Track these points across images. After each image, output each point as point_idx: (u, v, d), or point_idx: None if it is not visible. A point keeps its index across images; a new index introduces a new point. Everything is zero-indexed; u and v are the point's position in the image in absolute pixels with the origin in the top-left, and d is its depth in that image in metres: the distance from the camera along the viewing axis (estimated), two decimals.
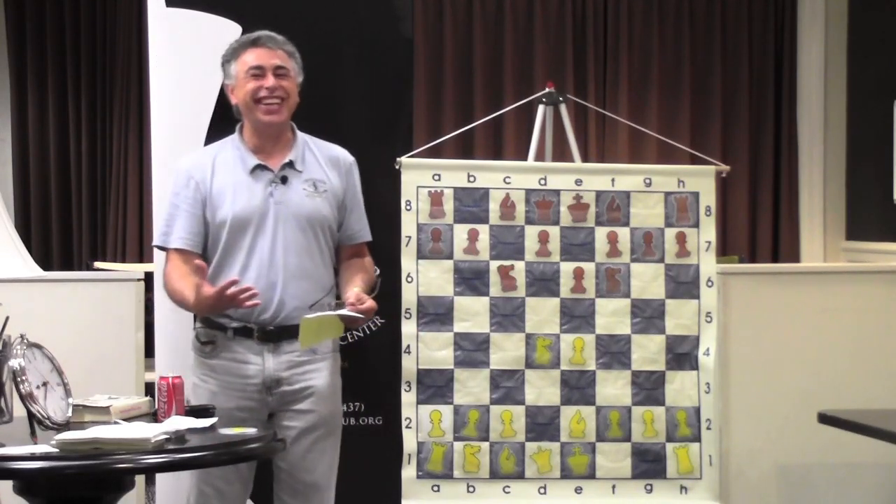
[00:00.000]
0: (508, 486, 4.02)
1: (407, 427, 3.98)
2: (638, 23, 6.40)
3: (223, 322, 3.39)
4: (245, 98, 3.47)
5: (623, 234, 4.10)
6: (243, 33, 3.83)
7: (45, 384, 2.98)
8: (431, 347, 3.99)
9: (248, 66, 3.47)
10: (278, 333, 3.39)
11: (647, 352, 4.09)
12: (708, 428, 4.09)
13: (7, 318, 2.96)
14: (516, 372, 4.03)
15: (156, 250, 3.66)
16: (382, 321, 3.94)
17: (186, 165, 3.50)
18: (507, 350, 4.02)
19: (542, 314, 4.04)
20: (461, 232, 4.04)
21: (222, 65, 3.55)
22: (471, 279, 4.03)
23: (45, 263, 6.01)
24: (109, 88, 6.41)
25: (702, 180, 4.19)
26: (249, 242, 3.41)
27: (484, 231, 4.05)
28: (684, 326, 4.11)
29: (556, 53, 6.38)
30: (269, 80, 3.46)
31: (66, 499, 2.91)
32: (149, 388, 3.76)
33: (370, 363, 3.83)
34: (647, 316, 4.09)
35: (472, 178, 4.07)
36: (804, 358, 4.49)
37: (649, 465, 4.06)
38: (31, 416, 2.91)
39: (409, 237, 4.01)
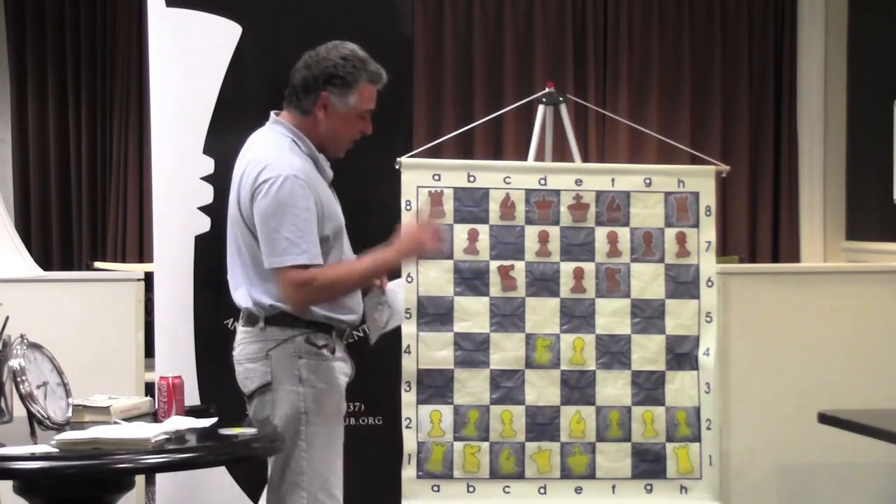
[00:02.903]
0: (508, 486, 4.02)
1: (407, 427, 3.98)
2: (638, 23, 6.39)
3: (334, 323, 3.31)
4: (345, 133, 3.34)
5: (623, 234, 4.11)
6: (243, 34, 3.84)
7: (45, 384, 2.98)
8: (431, 347, 3.99)
9: (365, 107, 3.33)
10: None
11: (647, 352, 4.09)
12: (708, 428, 4.09)
13: (7, 318, 2.96)
14: (516, 372, 4.03)
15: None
16: None
17: (299, 174, 3.19)
18: (507, 350, 4.03)
19: (542, 314, 4.05)
20: (461, 232, 4.04)
21: (336, 75, 3.28)
22: (471, 279, 4.03)
23: (45, 263, 6.00)
24: (109, 88, 6.41)
25: (702, 180, 4.19)
26: (343, 251, 3.35)
27: (484, 231, 4.05)
28: (684, 326, 4.11)
29: (556, 53, 6.38)
30: (370, 126, 3.37)
31: (66, 499, 2.92)
32: (149, 388, 3.76)
33: (370, 363, 3.83)
34: (647, 316, 4.10)
35: (472, 178, 4.07)
36: (804, 358, 4.49)
37: (649, 465, 4.07)
38: (31, 416, 2.91)
39: None
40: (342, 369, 3.34)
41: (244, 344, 3.31)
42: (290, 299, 3.19)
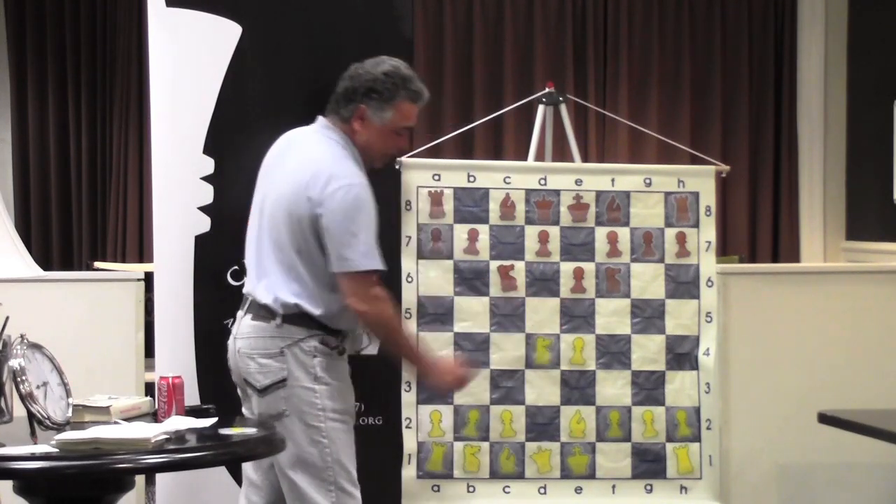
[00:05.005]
0: (508, 486, 4.02)
1: (407, 427, 3.98)
2: (638, 23, 6.39)
3: (342, 329, 3.40)
4: (379, 148, 3.43)
5: (623, 234, 4.11)
6: (243, 34, 3.83)
7: (45, 384, 2.98)
8: (431, 347, 3.99)
9: (402, 124, 3.43)
10: None
11: (647, 352, 4.09)
12: (708, 428, 4.09)
13: (7, 318, 2.96)
14: (516, 372, 4.03)
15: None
16: None
17: (365, 182, 3.35)
18: (507, 350, 4.03)
19: (542, 314, 4.05)
20: (461, 232, 4.04)
21: (375, 90, 3.38)
22: (471, 279, 4.03)
23: (45, 263, 6.00)
24: (109, 88, 6.41)
25: (702, 180, 4.19)
26: None
27: (484, 231, 4.05)
28: (684, 326, 4.11)
29: (556, 53, 6.38)
30: (407, 142, 3.53)
31: (66, 499, 2.91)
32: (149, 388, 3.76)
33: (370, 363, 3.83)
34: (647, 316, 4.10)
35: (472, 178, 4.07)
36: (804, 358, 4.49)
37: (649, 465, 4.07)
38: (31, 416, 2.91)
39: (409, 237, 4.02)
40: (347, 367, 3.45)
41: (255, 338, 3.36)
42: (361, 302, 3.29)
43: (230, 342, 3.45)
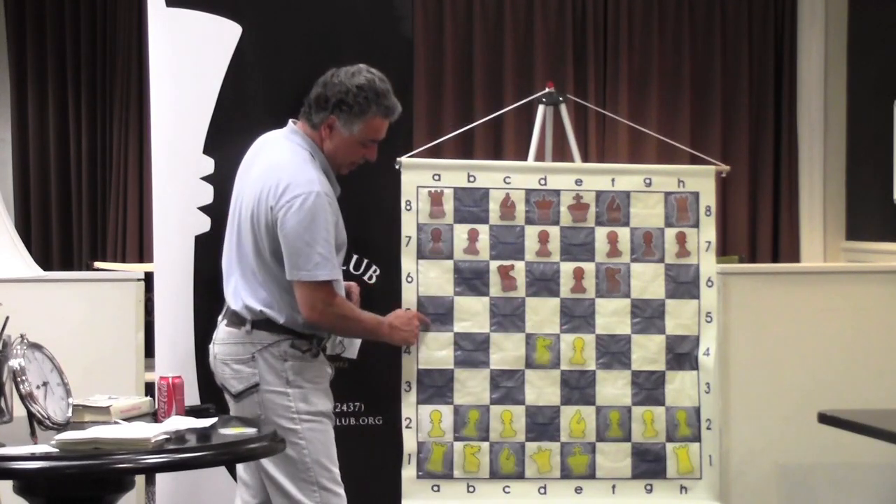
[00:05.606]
0: (508, 486, 4.02)
1: (407, 427, 3.98)
2: (638, 23, 6.40)
3: (317, 332, 3.41)
4: (345, 157, 3.44)
5: (623, 234, 4.10)
6: (243, 34, 3.83)
7: (45, 384, 2.98)
8: (431, 347, 3.99)
9: (370, 137, 3.43)
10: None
11: (647, 352, 4.08)
12: (708, 428, 4.09)
13: (7, 318, 2.96)
14: (516, 372, 4.03)
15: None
16: None
17: (326, 191, 3.34)
18: (507, 350, 4.02)
19: (542, 314, 4.04)
20: (461, 232, 4.04)
21: (346, 102, 3.38)
22: (471, 279, 4.03)
23: (45, 263, 6.01)
24: (109, 88, 6.41)
25: (702, 180, 4.19)
26: (340, 270, 3.46)
27: (484, 231, 4.05)
28: (684, 326, 4.11)
29: (556, 53, 6.38)
30: (374, 153, 3.49)
31: (66, 499, 2.92)
32: (149, 388, 3.77)
33: (370, 363, 3.83)
34: (647, 316, 4.09)
35: (472, 178, 4.07)
36: (804, 358, 4.49)
37: (649, 465, 4.06)
38: (31, 416, 2.91)
39: (409, 237, 4.01)
40: (324, 369, 3.47)
41: (228, 344, 3.40)
42: (313, 311, 3.31)
43: (210, 347, 3.48)
